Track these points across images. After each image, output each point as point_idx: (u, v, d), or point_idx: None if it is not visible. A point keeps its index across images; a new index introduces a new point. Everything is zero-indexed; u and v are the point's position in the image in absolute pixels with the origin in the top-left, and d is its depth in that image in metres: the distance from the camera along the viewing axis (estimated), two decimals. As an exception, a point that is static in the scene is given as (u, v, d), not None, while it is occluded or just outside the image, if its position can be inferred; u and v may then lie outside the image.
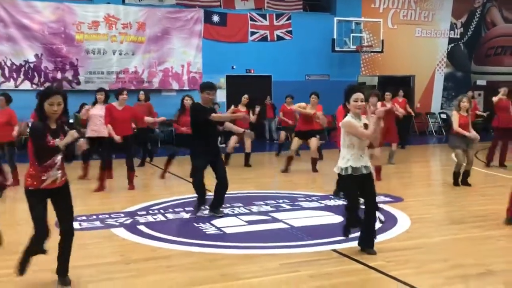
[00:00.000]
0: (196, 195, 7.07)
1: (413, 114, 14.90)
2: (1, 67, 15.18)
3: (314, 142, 10.59)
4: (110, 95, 9.94)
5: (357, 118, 5.18)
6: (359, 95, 5.12)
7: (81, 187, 8.94)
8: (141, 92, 12.43)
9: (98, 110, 9.60)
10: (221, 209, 7.00)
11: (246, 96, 11.78)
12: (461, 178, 8.89)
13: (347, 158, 5.14)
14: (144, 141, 11.91)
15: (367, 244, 5.28)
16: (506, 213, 6.39)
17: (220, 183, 6.88)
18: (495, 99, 11.15)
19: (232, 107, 11.72)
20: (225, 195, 7.01)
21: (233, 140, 11.57)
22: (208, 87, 7.02)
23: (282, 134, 13.23)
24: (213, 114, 6.84)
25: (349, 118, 5.16)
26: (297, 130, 10.84)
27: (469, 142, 8.69)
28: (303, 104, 10.69)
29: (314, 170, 10.61)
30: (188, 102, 9.85)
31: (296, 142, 10.70)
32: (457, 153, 8.77)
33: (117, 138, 8.80)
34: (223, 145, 12.50)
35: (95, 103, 9.83)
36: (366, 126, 5.13)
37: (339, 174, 5.23)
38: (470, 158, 8.80)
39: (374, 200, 5.29)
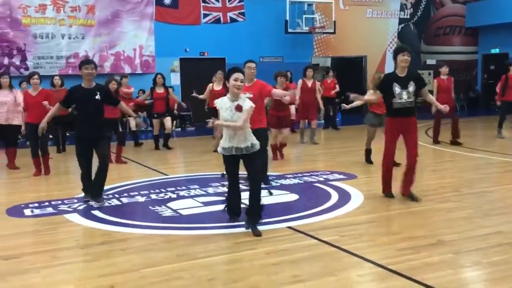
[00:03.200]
0: None
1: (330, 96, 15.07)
2: None
3: None
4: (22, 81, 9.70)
5: (234, 98, 5.22)
6: (239, 75, 5.19)
7: (31, 174, 8.73)
8: (56, 77, 11.82)
9: (4, 97, 9.23)
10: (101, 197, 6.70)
11: (159, 76, 11.74)
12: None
13: (224, 138, 5.29)
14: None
15: (249, 223, 5.32)
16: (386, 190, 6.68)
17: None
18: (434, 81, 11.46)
19: (148, 91, 11.79)
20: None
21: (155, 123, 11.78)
22: (84, 62, 6.65)
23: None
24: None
25: (221, 99, 5.30)
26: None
27: (383, 120, 8.58)
28: None
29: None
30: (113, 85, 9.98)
31: None
32: (369, 130, 9.01)
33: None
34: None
35: None
36: (239, 107, 5.16)
37: None
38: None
39: (256, 178, 5.33)
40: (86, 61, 6.68)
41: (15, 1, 15.22)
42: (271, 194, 6.82)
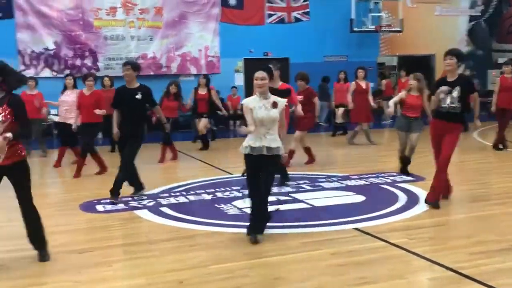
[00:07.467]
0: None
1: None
2: (21, 55, 15.32)
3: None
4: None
5: (262, 97, 5.08)
6: (259, 74, 5.05)
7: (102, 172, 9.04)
8: (106, 78, 12.08)
9: (66, 96, 9.63)
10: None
11: (201, 77, 11.89)
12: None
13: (253, 137, 5.04)
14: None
15: (250, 229, 5.10)
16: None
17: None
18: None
19: (192, 92, 11.63)
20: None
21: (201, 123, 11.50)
22: (123, 64, 7.06)
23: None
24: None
25: (248, 100, 5.14)
26: None
27: (412, 125, 8.04)
28: None
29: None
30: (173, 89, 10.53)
31: None
32: (400, 136, 8.21)
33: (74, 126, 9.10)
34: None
35: (64, 89, 9.78)
36: (275, 105, 5.03)
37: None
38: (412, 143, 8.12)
39: (266, 183, 5.09)
40: (124, 63, 7.07)
41: (87, 4, 15.80)
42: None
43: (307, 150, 9.46)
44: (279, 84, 7.47)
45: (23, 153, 4.55)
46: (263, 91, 5.08)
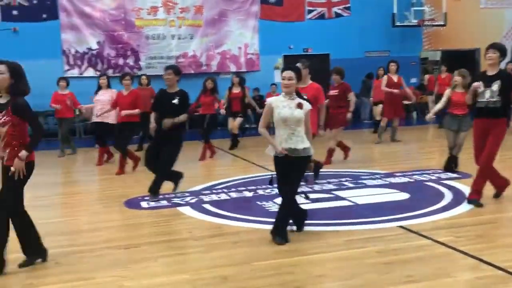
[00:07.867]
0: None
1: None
2: (65, 55, 15.69)
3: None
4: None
5: (287, 97, 4.98)
6: (287, 73, 4.94)
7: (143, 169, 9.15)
8: (143, 76, 12.26)
9: (100, 96, 9.80)
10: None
11: (234, 76, 11.99)
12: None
13: (281, 139, 4.97)
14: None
15: (272, 231, 5.00)
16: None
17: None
18: None
19: (227, 91, 11.73)
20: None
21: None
22: (165, 68, 7.07)
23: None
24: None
25: (272, 98, 5.10)
26: None
27: (462, 123, 7.84)
28: None
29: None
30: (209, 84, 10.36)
31: None
32: (448, 135, 8.08)
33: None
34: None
35: (99, 88, 9.95)
36: (299, 105, 4.92)
37: None
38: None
39: (290, 187, 5.02)
40: (166, 67, 7.09)
41: (129, 4, 16.07)
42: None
43: (339, 144, 9.39)
44: (308, 83, 7.36)
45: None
46: (290, 91, 4.99)
